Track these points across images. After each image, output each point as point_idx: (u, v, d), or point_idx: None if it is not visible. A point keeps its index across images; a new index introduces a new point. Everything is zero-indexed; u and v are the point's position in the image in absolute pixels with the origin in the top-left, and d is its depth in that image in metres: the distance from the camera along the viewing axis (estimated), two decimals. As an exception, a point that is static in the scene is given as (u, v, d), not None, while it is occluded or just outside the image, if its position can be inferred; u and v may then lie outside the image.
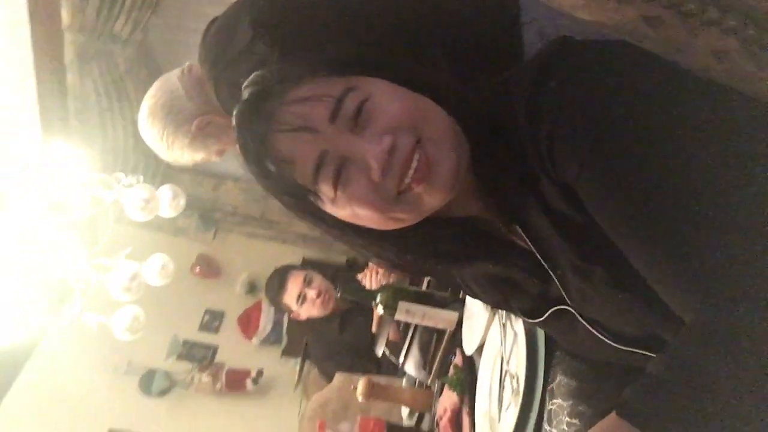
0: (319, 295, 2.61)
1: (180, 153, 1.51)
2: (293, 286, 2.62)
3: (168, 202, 1.92)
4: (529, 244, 0.76)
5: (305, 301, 2.62)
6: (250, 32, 1.20)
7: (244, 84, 0.76)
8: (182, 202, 1.98)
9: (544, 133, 0.66)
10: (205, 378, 3.76)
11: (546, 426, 1.04)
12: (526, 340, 1.19)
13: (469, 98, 0.76)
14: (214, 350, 4.04)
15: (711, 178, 0.60)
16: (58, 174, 1.93)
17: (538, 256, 0.76)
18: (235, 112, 0.75)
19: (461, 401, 1.55)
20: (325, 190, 0.69)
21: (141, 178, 1.94)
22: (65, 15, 3.06)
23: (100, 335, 1.92)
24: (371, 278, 2.16)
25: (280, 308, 2.80)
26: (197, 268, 4.34)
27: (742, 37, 0.60)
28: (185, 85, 1.50)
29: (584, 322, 0.80)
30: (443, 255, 0.81)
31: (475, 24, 1.09)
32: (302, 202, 0.72)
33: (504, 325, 1.32)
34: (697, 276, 0.58)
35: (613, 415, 0.55)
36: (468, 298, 1.63)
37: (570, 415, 0.97)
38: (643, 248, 0.63)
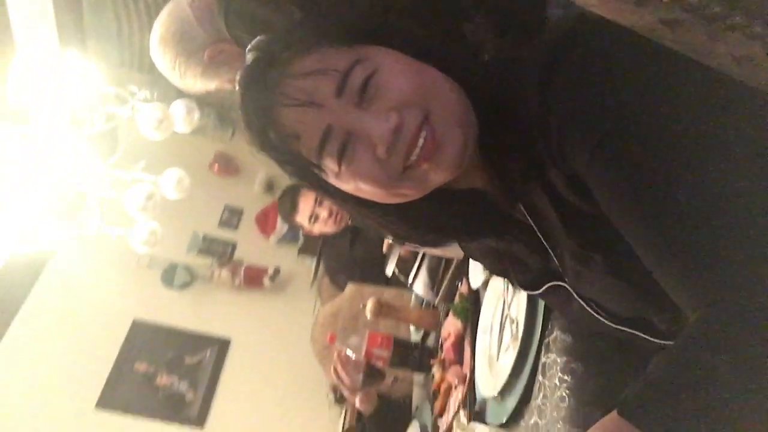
0: (330, 214, 2.61)
1: (193, 81, 1.49)
2: (305, 206, 2.62)
3: (182, 118, 1.91)
4: (531, 221, 0.76)
5: (317, 220, 2.63)
6: None
7: (248, 47, 0.74)
8: (196, 116, 1.97)
9: (555, 121, 0.64)
10: (225, 273, 3.91)
11: (540, 377, 1.08)
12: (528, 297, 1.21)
13: (481, 73, 0.73)
14: (233, 246, 4.16)
15: (726, 176, 0.58)
16: (74, 88, 1.91)
17: (539, 234, 0.77)
18: (239, 78, 0.73)
19: (464, 329, 1.61)
20: (330, 164, 0.68)
21: (155, 92, 1.91)
22: None
23: (118, 240, 1.97)
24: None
25: (293, 226, 2.82)
26: (216, 166, 4.39)
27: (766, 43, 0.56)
28: (196, 13, 1.45)
29: (579, 299, 0.81)
30: (447, 229, 0.82)
31: None
32: (306, 173, 0.71)
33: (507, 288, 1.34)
34: (706, 275, 0.57)
35: (614, 414, 0.54)
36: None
37: (563, 371, 1.01)
38: (651, 243, 0.62)
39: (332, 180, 0.71)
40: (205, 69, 1.47)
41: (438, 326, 1.90)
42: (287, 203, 2.68)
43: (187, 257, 3.97)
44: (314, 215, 2.62)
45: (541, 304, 1.16)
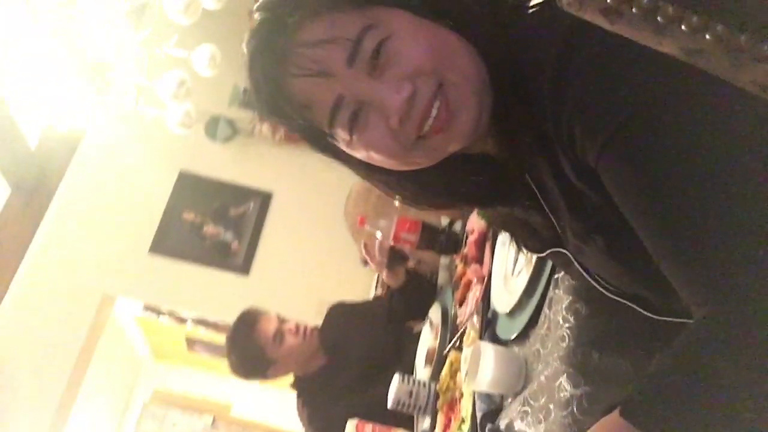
0: (297, 330, 2.13)
1: None
2: (267, 325, 2.11)
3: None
4: (538, 195, 0.76)
5: (282, 339, 2.09)
6: None
7: (255, 6, 0.71)
8: (226, -9, 1.89)
9: (568, 106, 0.62)
10: (266, 128, 3.94)
11: (546, 309, 1.13)
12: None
13: (501, 38, 0.70)
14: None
15: (742, 177, 0.57)
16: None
17: (545, 208, 0.77)
18: (245, 45, 0.71)
19: (488, 229, 1.65)
20: (341, 134, 0.68)
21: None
22: None
23: (155, 127, 2.01)
24: None
25: (254, 372, 2.17)
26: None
27: (798, 74, 0.52)
28: None
29: (579, 267, 0.83)
30: (458, 195, 0.82)
31: None
32: (319, 139, 0.72)
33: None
34: (715, 274, 0.57)
35: (615, 414, 0.54)
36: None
37: (567, 310, 1.05)
38: (660, 238, 0.61)
39: (343, 147, 0.71)
40: None
41: (466, 215, 1.94)
42: (242, 328, 2.12)
43: (229, 110, 4.00)
44: (279, 333, 2.09)
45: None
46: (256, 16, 0.71)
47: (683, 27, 0.50)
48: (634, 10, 0.50)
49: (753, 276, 0.54)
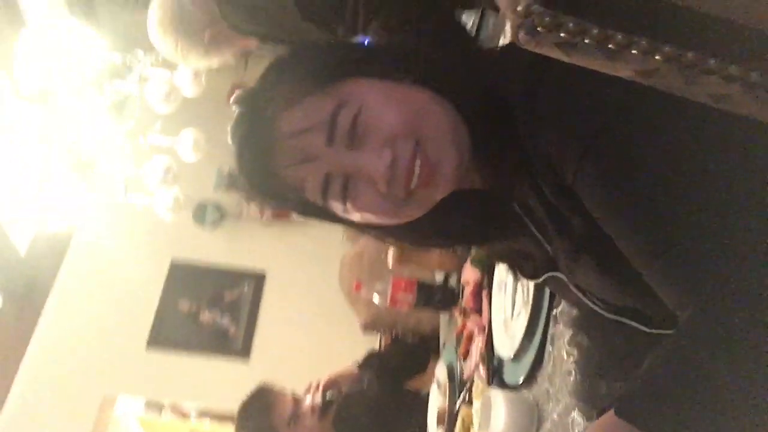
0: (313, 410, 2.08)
1: (196, 61, 1.50)
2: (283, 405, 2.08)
3: (189, 83, 1.91)
4: (526, 220, 0.79)
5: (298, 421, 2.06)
6: None
7: (233, 99, 0.76)
8: (203, 80, 1.97)
9: (540, 137, 0.66)
10: (253, 207, 3.99)
11: (549, 347, 1.13)
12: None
13: (468, 81, 0.74)
14: (259, 180, 4.22)
15: (704, 181, 0.61)
16: (82, 55, 1.92)
17: (533, 230, 0.79)
18: (230, 136, 0.74)
19: (482, 278, 1.66)
20: (336, 206, 0.72)
21: (160, 57, 1.91)
22: None
23: (146, 214, 2.04)
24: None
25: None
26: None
27: (746, 82, 0.56)
28: None
29: (575, 290, 0.84)
30: (455, 234, 0.86)
31: None
32: (316, 211, 0.76)
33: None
34: (690, 274, 0.60)
35: (610, 413, 0.56)
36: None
37: (569, 344, 1.06)
38: (638, 247, 0.64)
39: (341, 215, 0.74)
40: (207, 49, 1.48)
41: (459, 267, 1.95)
42: (256, 406, 2.08)
43: (215, 194, 4.05)
44: (294, 416, 2.05)
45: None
46: (234, 108, 0.75)
47: (634, 51, 0.54)
48: (586, 40, 0.54)
49: (729, 274, 0.57)
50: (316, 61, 0.73)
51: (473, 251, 1.70)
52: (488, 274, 1.59)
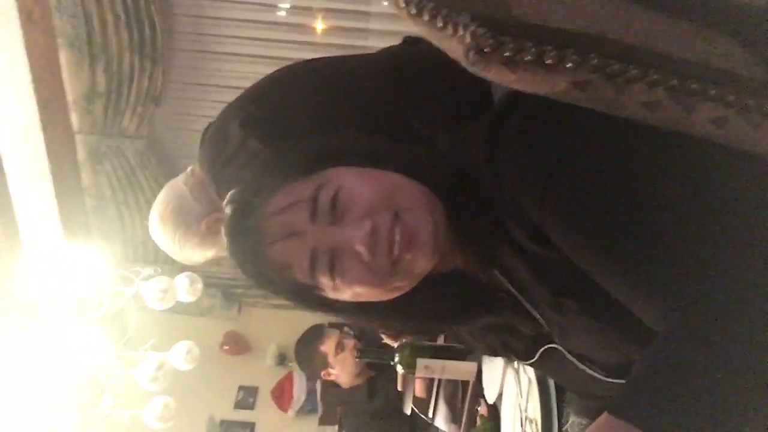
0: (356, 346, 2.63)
1: (192, 252, 1.58)
2: (330, 339, 2.68)
3: (186, 289, 1.99)
4: (510, 288, 0.80)
5: (343, 349, 2.65)
6: (241, 132, 1.30)
7: (225, 201, 0.82)
8: (199, 286, 2.05)
9: (505, 183, 0.72)
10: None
11: (566, 469, 1.05)
12: (538, 385, 1.21)
13: (431, 163, 0.82)
14: (252, 427, 4.05)
15: (662, 190, 0.66)
16: (80, 276, 2.01)
17: (520, 298, 0.81)
18: (224, 231, 0.80)
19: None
20: (324, 281, 0.74)
21: (159, 270, 2.01)
22: (75, 119, 3.22)
23: (131, 426, 1.96)
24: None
25: (313, 368, 2.80)
26: (226, 347, 4.38)
27: (668, 86, 0.65)
28: (190, 187, 1.58)
29: (572, 358, 0.83)
30: (443, 316, 0.87)
31: (443, 81, 1.17)
32: (307, 295, 0.77)
33: (517, 371, 1.34)
34: (664, 285, 0.62)
35: (605, 414, 0.57)
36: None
37: (585, 448, 0.99)
38: (608, 268, 0.67)
39: (331, 294, 0.76)
40: (203, 238, 1.57)
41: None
42: (311, 336, 2.75)
43: (207, 443, 3.84)
44: (340, 345, 2.67)
45: (553, 393, 1.15)
46: (227, 209, 0.82)
47: (568, 65, 0.65)
48: (527, 57, 0.64)
49: (703, 278, 0.61)
50: (298, 152, 0.81)
51: (398, 357, 1.65)
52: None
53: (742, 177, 0.69)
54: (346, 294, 0.75)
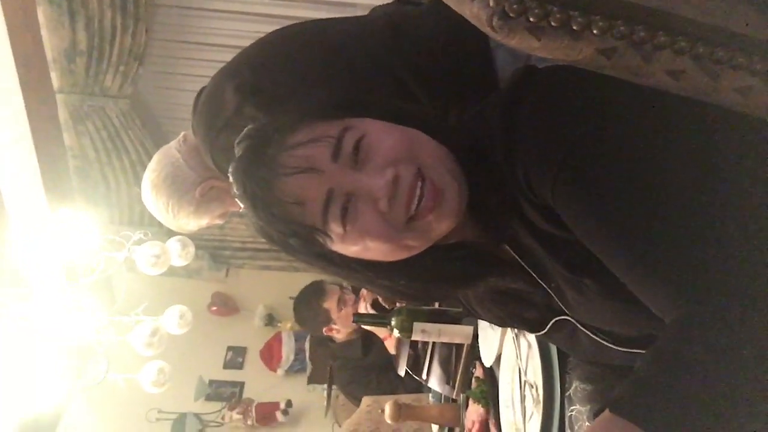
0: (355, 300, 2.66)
1: (186, 221, 1.55)
2: (331, 296, 2.70)
3: (178, 253, 1.97)
4: (521, 263, 0.79)
5: (345, 305, 2.67)
6: (236, 97, 1.24)
7: (237, 140, 0.77)
8: (191, 250, 2.03)
9: (519, 161, 0.70)
10: (236, 415, 3.80)
11: (568, 431, 1.07)
12: (539, 349, 1.21)
13: (453, 129, 0.79)
14: (241, 386, 4.08)
15: (675, 182, 0.64)
16: (68, 241, 1.97)
17: (531, 273, 0.80)
18: (233, 165, 0.75)
19: (487, 413, 1.58)
20: (335, 227, 0.70)
21: (149, 233, 1.98)
22: (55, 78, 3.13)
23: (125, 390, 1.96)
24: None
25: (315, 325, 2.79)
26: (214, 308, 4.38)
27: (694, 54, 0.63)
28: (183, 154, 1.54)
29: (585, 330, 0.83)
30: (451, 278, 0.84)
31: (448, 56, 1.13)
32: (310, 243, 0.73)
33: (517, 336, 1.35)
34: (675, 277, 0.62)
35: (606, 412, 0.56)
36: (481, 311, 1.66)
37: (590, 420, 1.00)
38: (619, 256, 0.66)
39: (338, 245, 0.72)
40: (198, 206, 1.54)
41: (460, 420, 1.86)
42: (312, 294, 2.74)
43: (195, 405, 3.87)
44: (342, 301, 2.69)
45: (555, 358, 1.16)
46: (238, 149, 0.77)
47: (594, 31, 0.63)
48: (552, 23, 0.62)
49: (712, 273, 0.60)
50: (326, 97, 0.77)
51: (395, 321, 1.65)
52: (493, 401, 1.52)
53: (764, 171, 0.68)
54: (354, 246, 0.72)
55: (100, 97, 3.23)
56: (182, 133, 1.56)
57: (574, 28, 0.62)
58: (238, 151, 0.76)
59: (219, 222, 1.61)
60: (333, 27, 1.35)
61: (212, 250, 4.19)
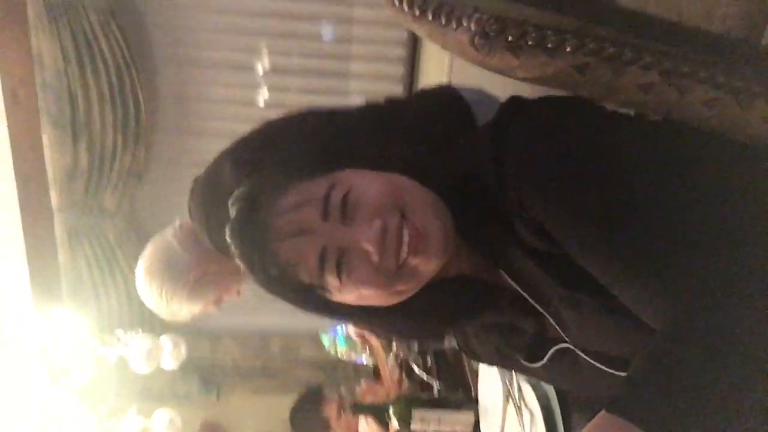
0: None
1: (179, 306, 1.54)
2: (331, 403, 2.63)
3: (169, 351, 1.93)
4: (518, 288, 0.80)
5: (345, 412, 2.59)
6: (234, 173, 1.29)
7: (230, 201, 0.81)
8: (183, 350, 2.00)
9: (511, 182, 0.73)
10: None
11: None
12: (543, 415, 1.18)
13: (437, 166, 0.83)
14: None
15: (656, 194, 0.68)
16: (59, 341, 1.94)
17: (528, 298, 0.80)
18: (229, 226, 0.79)
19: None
20: (331, 281, 0.74)
21: (140, 330, 1.95)
22: (54, 196, 3.20)
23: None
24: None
25: (314, 430, 2.70)
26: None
27: (661, 69, 0.69)
28: (179, 238, 1.56)
29: (586, 357, 0.82)
30: (448, 315, 0.86)
31: (425, 109, 1.22)
32: (311, 296, 0.77)
33: (519, 409, 1.31)
34: (664, 282, 0.64)
35: (603, 413, 0.57)
36: (480, 396, 1.61)
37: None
38: (609, 268, 0.69)
39: (336, 296, 0.76)
40: (192, 290, 1.54)
41: None
42: (310, 403, 2.70)
43: None
44: (341, 409, 2.62)
45: (560, 421, 1.12)
46: (232, 209, 0.81)
47: (568, 48, 0.69)
48: (529, 42, 0.68)
49: (699, 277, 0.62)
50: (310, 153, 0.83)
51: (392, 408, 1.59)
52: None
53: (744, 178, 0.72)
54: (351, 295, 0.75)
55: (97, 215, 3.29)
56: (178, 221, 1.59)
57: (549, 45, 0.69)
58: (231, 212, 0.80)
59: (212, 309, 1.61)
60: (328, 113, 1.43)
61: (203, 372, 4.07)
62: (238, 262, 0.80)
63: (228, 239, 0.80)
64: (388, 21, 2.97)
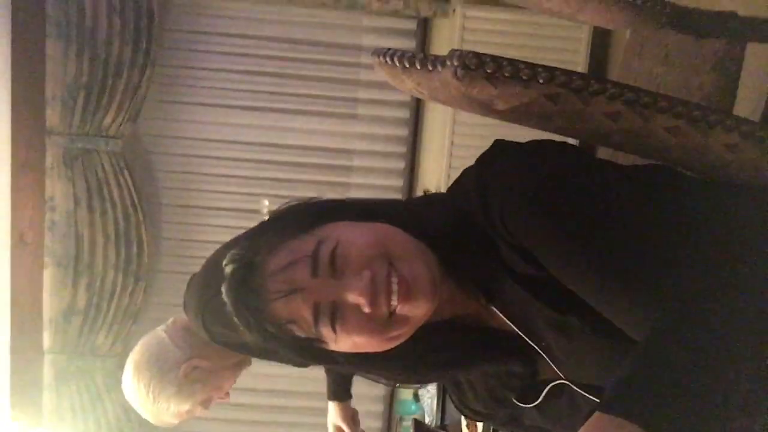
0: None
1: (166, 405, 1.50)
2: None
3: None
4: (510, 324, 0.82)
5: None
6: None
7: (224, 263, 0.82)
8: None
9: (496, 210, 0.77)
10: None
11: None
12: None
13: (421, 213, 0.87)
14: None
15: (630, 208, 0.74)
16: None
17: (521, 334, 0.81)
18: (225, 289, 0.80)
19: None
20: (327, 333, 0.77)
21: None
22: (47, 338, 3.16)
23: None
24: None
25: None
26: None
27: (625, 99, 0.77)
28: (170, 334, 1.56)
29: (581, 392, 0.81)
30: (441, 362, 0.87)
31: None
32: (309, 350, 0.79)
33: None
34: (643, 290, 0.68)
35: (596, 414, 0.58)
36: None
37: None
38: (590, 283, 0.72)
39: (332, 346, 0.79)
40: (180, 387, 1.51)
41: None
42: None
43: None
44: None
45: None
46: (227, 269, 0.82)
47: (540, 80, 0.77)
48: (505, 74, 0.77)
49: (675, 280, 0.67)
50: (297, 212, 0.86)
51: None
52: None
53: (717, 194, 0.79)
54: (347, 344, 0.78)
55: (89, 358, 3.23)
56: (171, 318, 1.59)
57: (523, 77, 0.77)
58: (226, 271, 0.81)
59: (200, 410, 1.55)
60: None
61: None
62: (235, 320, 0.80)
63: (224, 299, 0.80)
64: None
